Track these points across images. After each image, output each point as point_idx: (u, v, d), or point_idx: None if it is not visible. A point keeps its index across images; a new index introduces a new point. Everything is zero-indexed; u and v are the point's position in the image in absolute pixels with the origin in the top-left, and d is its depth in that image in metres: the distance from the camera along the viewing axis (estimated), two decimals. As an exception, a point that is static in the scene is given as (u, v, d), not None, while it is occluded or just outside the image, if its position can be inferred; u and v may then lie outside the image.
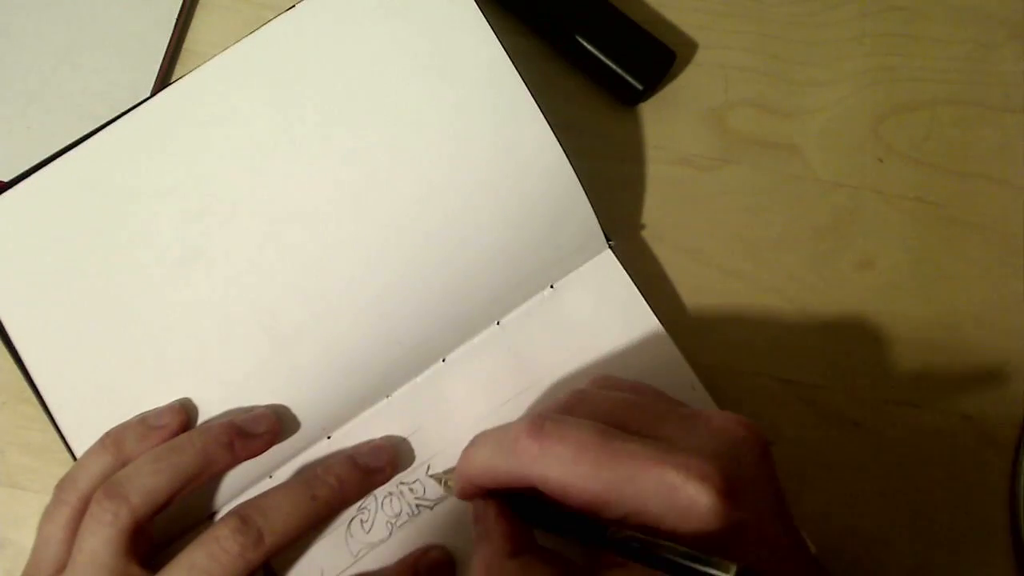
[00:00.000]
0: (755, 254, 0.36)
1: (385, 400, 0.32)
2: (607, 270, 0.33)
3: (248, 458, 0.30)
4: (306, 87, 0.31)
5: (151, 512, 0.27)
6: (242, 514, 0.27)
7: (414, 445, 0.32)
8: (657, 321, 0.33)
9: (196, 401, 0.30)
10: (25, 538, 0.32)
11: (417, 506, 0.31)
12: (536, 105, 0.31)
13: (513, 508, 0.26)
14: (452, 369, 0.32)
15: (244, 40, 0.32)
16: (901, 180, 0.37)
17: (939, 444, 0.34)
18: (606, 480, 0.23)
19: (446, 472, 0.31)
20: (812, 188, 0.37)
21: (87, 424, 0.30)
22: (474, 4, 0.31)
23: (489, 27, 0.31)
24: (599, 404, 0.26)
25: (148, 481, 0.27)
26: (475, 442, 0.26)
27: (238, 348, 0.30)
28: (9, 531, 0.32)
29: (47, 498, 0.32)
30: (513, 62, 0.31)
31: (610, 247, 0.34)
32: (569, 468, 0.23)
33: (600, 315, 0.33)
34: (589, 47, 0.36)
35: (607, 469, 0.23)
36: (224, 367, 0.30)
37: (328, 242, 0.31)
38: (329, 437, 0.32)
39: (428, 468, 0.31)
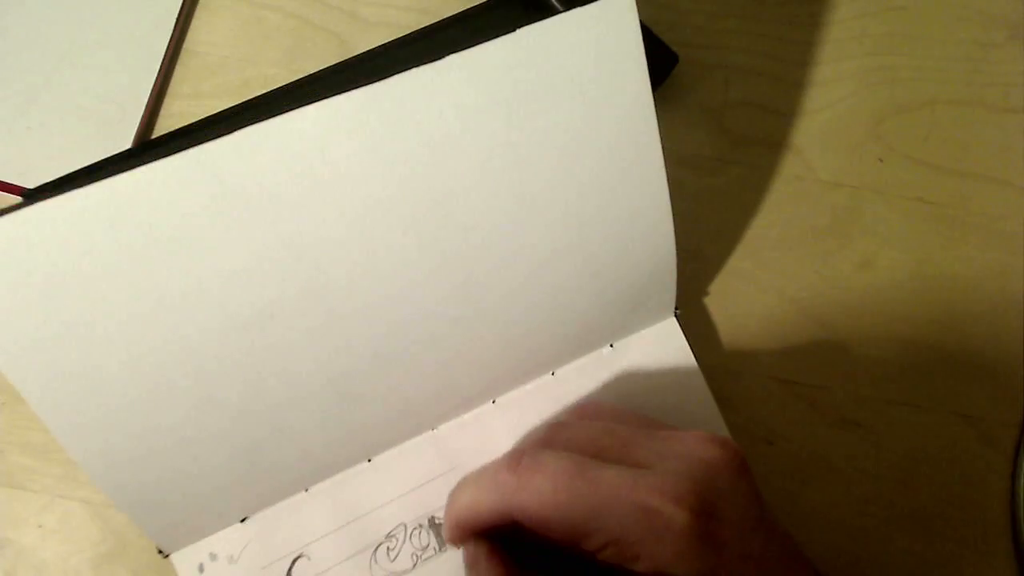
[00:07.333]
0: (755, 254, 0.36)
1: (430, 433, 0.32)
2: (669, 337, 0.34)
3: None
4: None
5: None
6: None
7: (451, 481, 0.31)
8: (710, 394, 0.33)
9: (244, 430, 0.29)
10: (25, 538, 0.32)
11: (444, 543, 0.31)
12: (665, 177, 0.30)
13: (507, 550, 0.26)
14: (500, 412, 0.32)
15: (354, 91, 0.26)
16: (901, 180, 0.37)
17: (939, 444, 0.34)
18: (584, 509, 0.23)
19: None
20: (812, 188, 0.37)
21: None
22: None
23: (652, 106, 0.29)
24: (577, 434, 0.27)
25: None
26: (459, 484, 0.27)
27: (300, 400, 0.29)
28: (9, 531, 0.32)
29: (47, 498, 0.32)
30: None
31: (676, 315, 0.34)
32: (548, 499, 0.23)
33: (652, 378, 0.33)
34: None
35: (584, 497, 0.23)
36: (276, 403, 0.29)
37: (408, 283, 0.28)
38: (370, 460, 0.32)
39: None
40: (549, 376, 0.33)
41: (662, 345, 0.34)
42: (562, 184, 0.29)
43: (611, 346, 0.34)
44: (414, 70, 0.26)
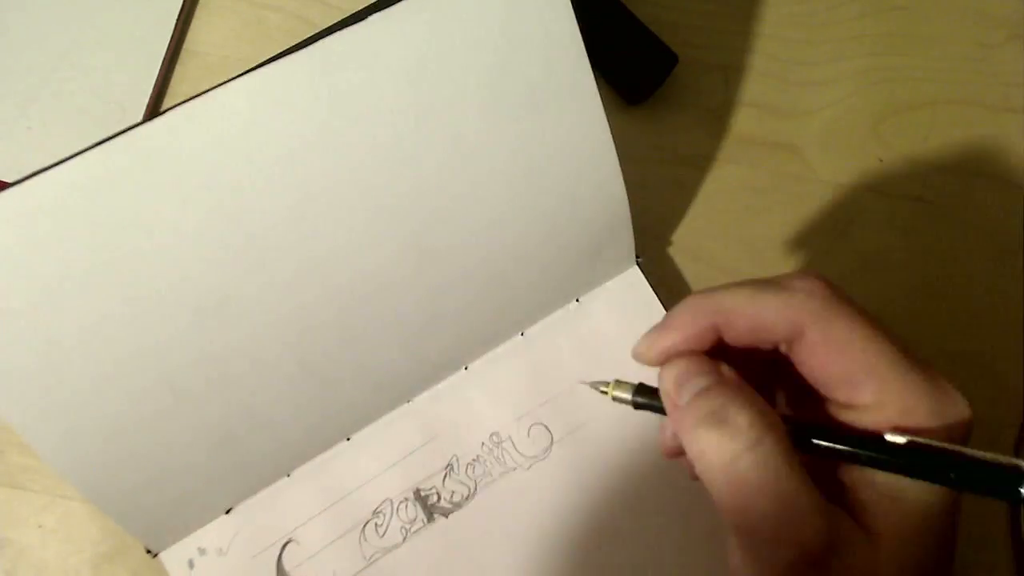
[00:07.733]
0: (755, 254, 0.36)
1: (406, 405, 0.32)
2: (633, 286, 0.34)
3: None
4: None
5: None
6: None
7: (432, 451, 0.32)
8: None
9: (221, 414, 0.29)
10: (25, 538, 0.32)
11: (432, 513, 0.31)
12: (607, 124, 0.30)
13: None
14: (474, 378, 0.32)
15: (279, 61, 0.25)
16: (901, 180, 0.37)
17: (939, 444, 0.34)
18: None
19: (601, 382, 0.26)
20: (812, 188, 0.37)
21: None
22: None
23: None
24: None
25: None
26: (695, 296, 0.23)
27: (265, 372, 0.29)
28: (9, 531, 0.32)
29: (47, 498, 0.32)
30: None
31: (637, 263, 0.34)
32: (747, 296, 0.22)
33: (623, 330, 0.33)
34: (591, 47, 0.36)
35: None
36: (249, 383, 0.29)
37: (363, 253, 0.28)
38: (348, 439, 0.32)
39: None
40: (519, 337, 0.33)
41: (627, 294, 0.34)
42: (506, 136, 0.28)
43: (577, 300, 0.33)
44: (336, 34, 0.25)
